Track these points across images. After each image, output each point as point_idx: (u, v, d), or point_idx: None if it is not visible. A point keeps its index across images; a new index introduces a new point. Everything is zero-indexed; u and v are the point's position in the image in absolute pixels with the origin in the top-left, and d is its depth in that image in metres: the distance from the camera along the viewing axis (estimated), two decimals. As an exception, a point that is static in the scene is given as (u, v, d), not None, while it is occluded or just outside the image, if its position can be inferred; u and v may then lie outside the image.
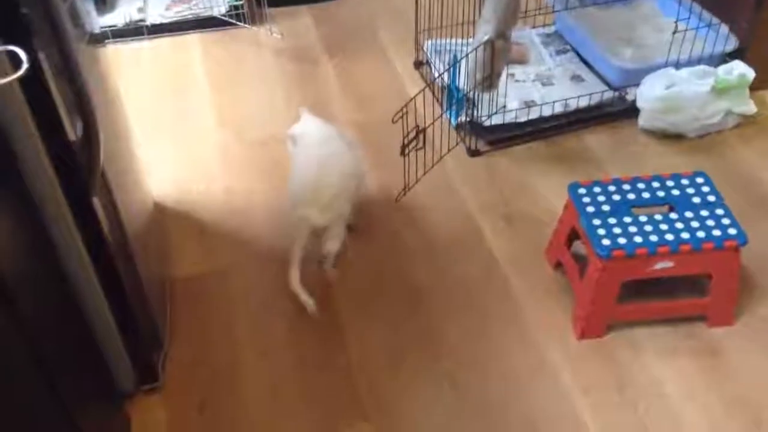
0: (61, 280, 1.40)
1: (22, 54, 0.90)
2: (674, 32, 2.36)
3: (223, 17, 2.97)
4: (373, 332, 1.88)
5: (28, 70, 0.89)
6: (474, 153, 2.39)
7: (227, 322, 1.90)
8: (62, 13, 1.24)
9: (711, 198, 1.84)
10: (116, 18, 2.96)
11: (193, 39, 2.97)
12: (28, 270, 1.30)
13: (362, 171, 2.07)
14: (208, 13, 2.98)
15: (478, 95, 2.33)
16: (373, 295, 1.97)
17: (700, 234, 1.74)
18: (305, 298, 1.81)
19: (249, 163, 2.38)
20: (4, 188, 1.20)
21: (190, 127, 2.54)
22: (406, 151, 2.13)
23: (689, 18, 2.39)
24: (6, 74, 0.97)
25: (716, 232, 1.74)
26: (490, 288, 1.98)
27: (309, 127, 2.06)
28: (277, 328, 1.89)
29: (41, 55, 1.17)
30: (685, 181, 1.90)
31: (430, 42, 2.69)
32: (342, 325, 1.89)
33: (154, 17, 2.99)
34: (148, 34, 2.96)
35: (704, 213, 1.80)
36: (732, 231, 1.75)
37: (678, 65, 2.42)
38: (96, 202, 1.36)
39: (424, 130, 2.15)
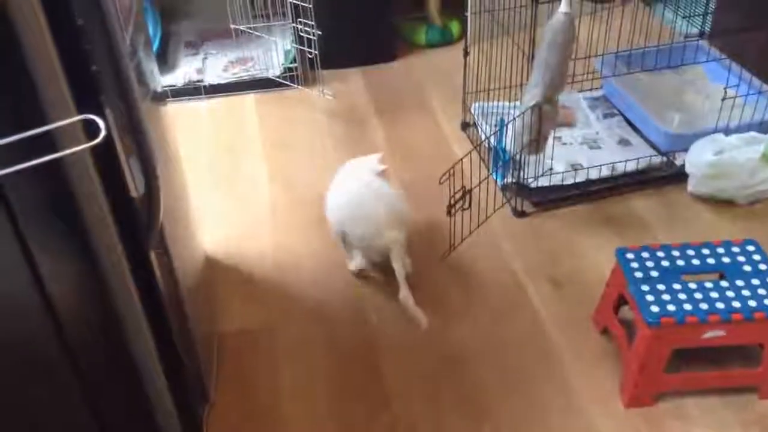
0: (114, 328, 1.44)
1: (101, 122, 0.96)
2: (723, 99, 2.36)
3: (277, 79, 3.08)
4: (416, 392, 1.87)
5: (104, 138, 0.95)
6: (520, 214, 2.41)
7: (273, 378, 1.92)
8: (129, 70, 1.31)
9: (762, 266, 1.81)
10: (176, 78, 3.10)
11: (248, 99, 3.08)
12: (85, 318, 1.34)
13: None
14: (263, 75, 3.09)
15: (525, 157, 2.35)
16: (416, 355, 1.97)
17: (752, 303, 1.71)
18: (419, 315, 1.95)
19: (298, 220, 2.43)
20: (67, 241, 1.26)
21: (242, 184, 2.62)
22: (453, 211, 2.16)
23: (738, 84, 2.39)
24: (80, 143, 1.03)
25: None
26: (534, 351, 1.96)
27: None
28: (322, 385, 1.90)
29: (107, 112, 1.24)
30: (735, 249, 1.87)
31: (477, 104, 2.74)
32: (385, 385, 1.89)
33: (212, 78, 3.11)
34: (206, 93, 3.08)
35: (755, 282, 1.76)
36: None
37: (727, 131, 2.42)
38: (153, 256, 1.41)
39: (470, 191, 2.18)
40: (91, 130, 1.02)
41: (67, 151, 0.96)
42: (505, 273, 2.20)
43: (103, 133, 0.93)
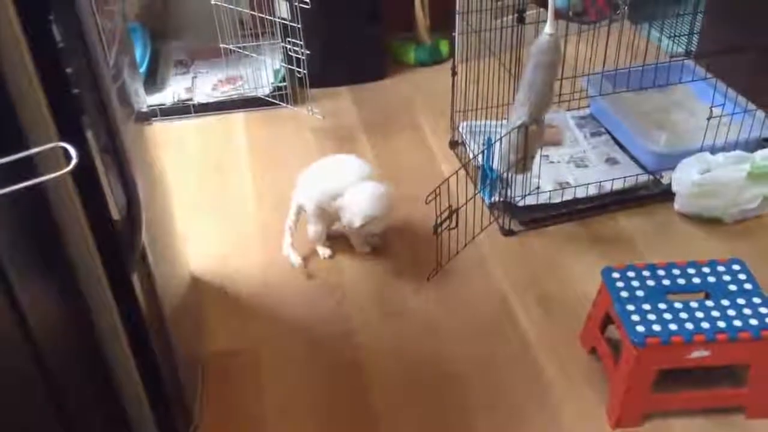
0: (95, 351, 1.43)
1: (72, 150, 0.96)
2: (709, 118, 2.38)
3: (267, 98, 3.09)
4: (403, 413, 1.86)
5: (77, 164, 0.95)
6: (507, 233, 2.41)
7: (259, 400, 1.91)
8: (112, 93, 1.31)
9: (748, 286, 1.81)
10: (165, 97, 3.10)
11: (237, 118, 3.08)
12: (64, 342, 1.33)
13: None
14: (252, 94, 3.10)
15: (512, 176, 2.36)
16: (404, 376, 1.96)
17: (737, 323, 1.71)
18: (294, 258, 2.29)
19: (285, 239, 2.42)
20: (47, 263, 1.25)
21: (230, 203, 2.62)
22: (439, 230, 2.16)
23: (724, 103, 2.40)
24: (60, 167, 1.03)
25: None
26: (522, 371, 1.95)
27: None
28: (309, 406, 1.89)
29: (89, 135, 1.23)
30: (721, 268, 1.87)
31: (465, 123, 2.75)
32: (372, 408, 1.88)
33: (201, 96, 3.12)
34: (195, 112, 3.08)
35: (741, 301, 1.77)
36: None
37: (713, 150, 2.43)
38: (134, 277, 1.40)
39: (457, 211, 2.18)
40: (68, 154, 1.02)
41: (34, 181, 0.96)
42: (493, 292, 2.20)
43: (74, 161, 0.93)
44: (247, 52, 3.09)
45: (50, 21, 1.14)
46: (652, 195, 2.50)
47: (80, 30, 1.23)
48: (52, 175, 1.00)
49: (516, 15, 2.12)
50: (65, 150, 0.98)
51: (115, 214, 1.31)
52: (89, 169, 1.24)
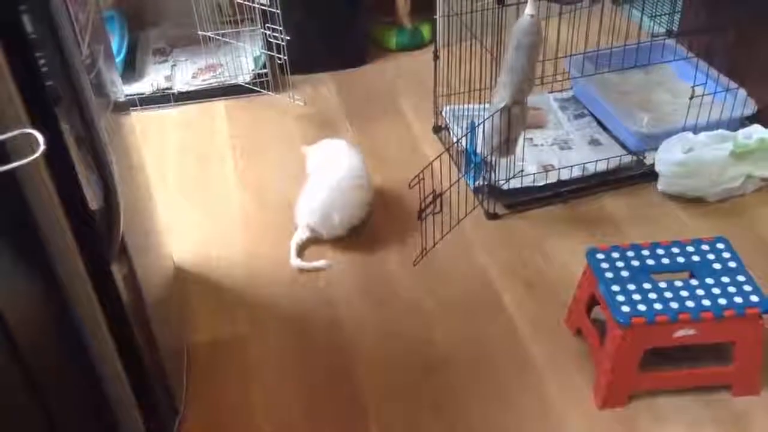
0: (77, 345, 1.41)
1: (40, 137, 0.94)
2: (691, 97, 2.38)
3: (247, 85, 3.05)
4: (390, 401, 1.86)
5: (44, 150, 0.93)
6: (492, 216, 2.40)
7: (244, 391, 1.89)
8: (86, 84, 1.29)
9: (732, 264, 1.82)
10: (144, 86, 3.06)
11: (218, 106, 3.05)
12: (44, 336, 1.32)
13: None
14: (233, 81, 3.07)
15: (496, 159, 2.35)
16: (391, 362, 1.95)
17: (722, 301, 1.71)
18: (315, 264, 2.25)
19: (269, 227, 2.40)
20: (23, 255, 1.23)
21: (212, 192, 2.59)
22: (423, 215, 2.15)
23: (706, 83, 2.40)
24: (32, 151, 1.01)
25: (738, 299, 1.72)
26: (508, 354, 1.95)
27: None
28: (294, 399, 1.88)
29: (64, 126, 1.21)
30: (705, 247, 1.88)
31: (448, 107, 2.73)
32: (359, 395, 1.87)
33: (180, 85, 3.08)
34: (175, 101, 3.05)
35: (725, 279, 1.77)
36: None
37: (696, 129, 2.43)
38: (115, 269, 1.39)
39: (440, 195, 2.17)
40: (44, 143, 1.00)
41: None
42: (479, 276, 2.19)
43: (42, 148, 0.91)
44: (226, 39, 3.05)
45: (21, 11, 1.12)
46: (635, 176, 2.50)
47: (52, 20, 1.20)
48: (20, 162, 0.97)
49: (496, -4, 2.11)
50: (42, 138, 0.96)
51: (93, 205, 1.29)
52: (64, 159, 1.22)
